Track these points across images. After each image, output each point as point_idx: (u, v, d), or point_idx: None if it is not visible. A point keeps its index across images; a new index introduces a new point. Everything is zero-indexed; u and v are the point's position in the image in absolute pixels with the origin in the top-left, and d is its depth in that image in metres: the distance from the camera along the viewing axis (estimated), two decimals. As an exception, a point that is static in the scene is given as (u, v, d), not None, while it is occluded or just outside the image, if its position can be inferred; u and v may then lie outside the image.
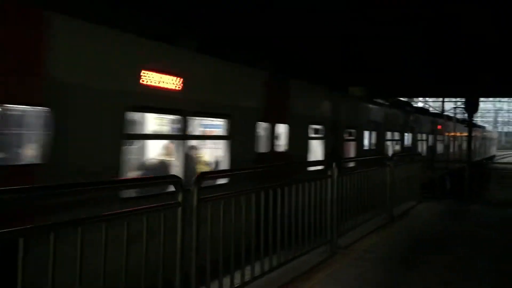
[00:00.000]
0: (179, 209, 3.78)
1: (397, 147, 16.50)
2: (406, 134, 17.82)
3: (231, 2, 8.58)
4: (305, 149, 10.60)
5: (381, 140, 14.88)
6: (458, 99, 47.56)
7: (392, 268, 5.96)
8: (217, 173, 5.33)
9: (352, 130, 13.14)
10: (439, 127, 21.44)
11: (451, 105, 53.19)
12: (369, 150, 13.93)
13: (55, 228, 2.88)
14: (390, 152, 15.32)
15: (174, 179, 3.91)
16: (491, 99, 57.36)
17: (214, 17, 9.30)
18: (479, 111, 51.83)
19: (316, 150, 11.46)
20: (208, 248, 4.17)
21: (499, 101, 65.48)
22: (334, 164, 6.47)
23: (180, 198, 3.79)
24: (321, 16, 11.31)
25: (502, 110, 73.18)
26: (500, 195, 13.46)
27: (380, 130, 14.79)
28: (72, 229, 3.00)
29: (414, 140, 18.95)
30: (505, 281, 5.72)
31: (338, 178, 6.45)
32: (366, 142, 13.98)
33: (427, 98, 50.70)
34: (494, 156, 52.82)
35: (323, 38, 13.23)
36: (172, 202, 3.78)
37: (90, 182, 3.57)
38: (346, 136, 12.79)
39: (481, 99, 42.60)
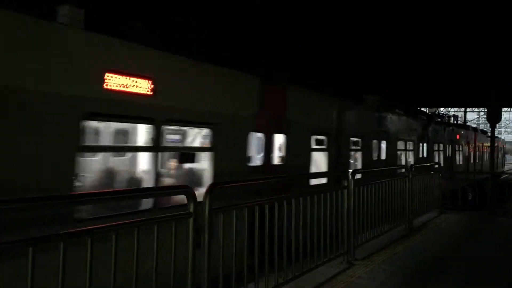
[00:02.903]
0: (191, 219, 3.76)
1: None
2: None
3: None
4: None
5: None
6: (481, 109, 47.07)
7: (410, 281, 5.82)
8: (230, 183, 5.29)
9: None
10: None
11: (474, 115, 52.54)
12: None
13: (65, 237, 2.89)
14: None
15: (185, 189, 3.89)
16: (515, 109, 56.15)
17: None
18: (502, 121, 50.90)
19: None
20: (221, 259, 4.13)
21: (523, 111, 64.02)
22: (350, 175, 6.40)
23: (191, 208, 3.77)
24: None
25: (526, 120, 71.40)
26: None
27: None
28: (82, 238, 3.01)
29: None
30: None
31: (354, 188, 6.37)
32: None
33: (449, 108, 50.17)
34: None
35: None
36: (184, 212, 3.76)
37: (101, 192, 3.60)
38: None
39: (504, 108, 41.90)
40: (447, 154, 22.47)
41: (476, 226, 10.06)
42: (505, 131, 68.31)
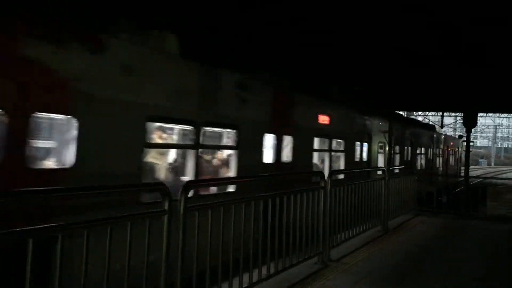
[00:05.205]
0: (165, 217, 3.73)
1: None
2: None
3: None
4: None
5: None
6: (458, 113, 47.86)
7: (385, 282, 5.87)
8: (204, 181, 5.28)
9: None
10: None
11: (451, 120, 53.44)
12: None
13: (36, 234, 2.84)
14: None
15: (160, 186, 3.86)
16: (490, 114, 57.40)
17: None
18: (478, 126, 51.82)
19: None
20: (195, 258, 4.10)
21: (499, 117, 65.54)
22: (327, 175, 6.44)
23: (166, 206, 3.73)
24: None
25: (501, 125, 73.14)
26: (496, 211, 13.37)
27: None
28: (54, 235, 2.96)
29: None
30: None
31: (331, 189, 6.40)
32: None
33: (427, 112, 50.89)
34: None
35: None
36: (158, 210, 3.73)
37: (77, 188, 3.54)
38: None
39: (480, 114, 42.69)
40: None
41: (450, 228, 10.22)
42: (480, 136, 69.79)
